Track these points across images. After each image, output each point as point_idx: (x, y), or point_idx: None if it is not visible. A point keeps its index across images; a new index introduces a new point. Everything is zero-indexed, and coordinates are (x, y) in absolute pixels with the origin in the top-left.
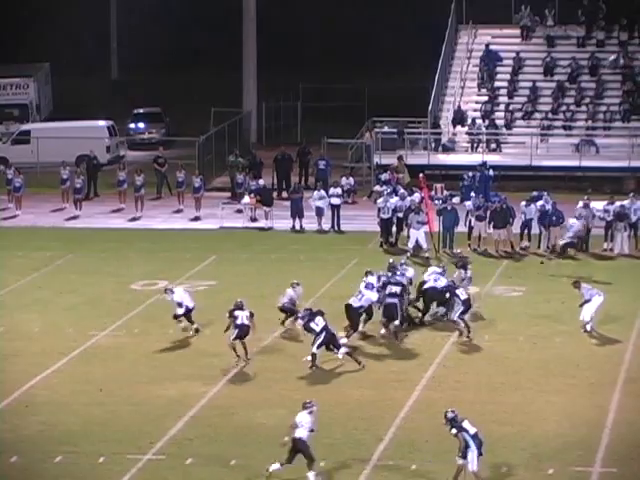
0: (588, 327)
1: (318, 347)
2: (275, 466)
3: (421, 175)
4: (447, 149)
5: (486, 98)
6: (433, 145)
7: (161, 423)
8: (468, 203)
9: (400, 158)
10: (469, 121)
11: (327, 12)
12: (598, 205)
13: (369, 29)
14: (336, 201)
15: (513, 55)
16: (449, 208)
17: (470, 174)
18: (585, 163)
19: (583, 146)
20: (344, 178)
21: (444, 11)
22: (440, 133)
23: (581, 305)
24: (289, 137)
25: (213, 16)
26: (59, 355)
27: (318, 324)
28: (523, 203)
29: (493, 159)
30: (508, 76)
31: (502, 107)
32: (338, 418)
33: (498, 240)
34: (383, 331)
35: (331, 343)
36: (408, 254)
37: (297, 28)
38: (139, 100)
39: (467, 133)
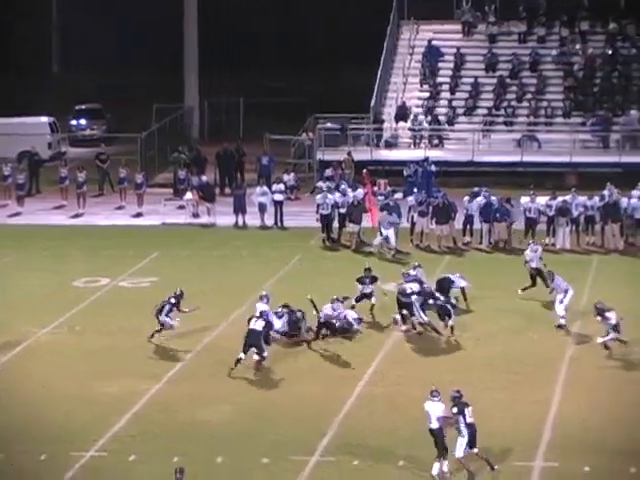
0: (563, 322)
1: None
2: None
3: (364, 171)
4: (390, 145)
5: (428, 94)
6: (376, 141)
7: (104, 420)
8: (410, 199)
9: (349, 154)
10: (411, 117)
11: (264, 10)
12: (540, 200)
13: (311, 28)
14: (279, 197)
15: (455, 51)
16: (391, 204)
17: (412, 166)
18: (527, 158)
19: (525, 142)
20: (287, 174)
21: (386, 7)
22: (383, 129)
23: (551, 293)
24: (232, 133)
25: (156, 12)
26: None
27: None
28: (466, 198)
29: (435, 155)
30: (450, 72)
31: (444, 103)
32: (282, 414)
33: (441, 235)
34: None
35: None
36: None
37: (240, 26)
38: (80, 97)
39: (409, 129)
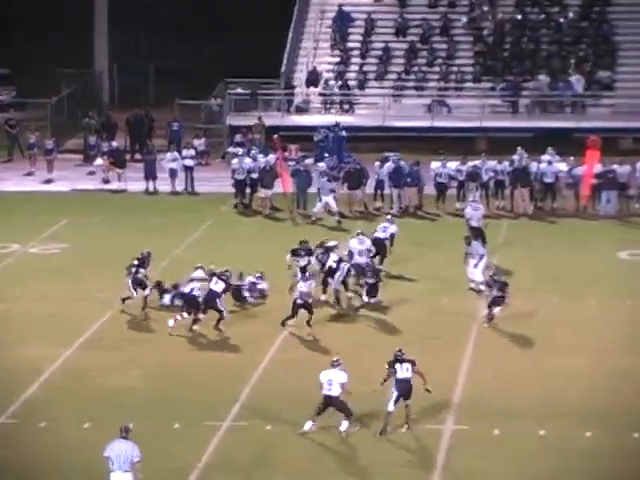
0: (482, 287)
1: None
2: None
3: (276, 136)
4: (301, 110)
5: (339, 59)
6: (286, 106)
7: (14, 386)
8: (321, 164)
9: (260, 119)
10: (322, 82)
11: None
12: (451, 165)
13: None
14: (189, 163)
15: (365, 16)
16: (302, 169)
17: (322, 131)
18: (437, 123)
19: (435, 106)
20: (197, 140)
21: None
22: (294, 94)
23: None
24: (142, 99)
25: None
26: None
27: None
28: (377, 164)
29: (346, 120)
30: (360, 37)
31: (355, 68)
32: (193, 380)
33: (352, 201)
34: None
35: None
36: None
37: None
38: None
39: (320, 94)
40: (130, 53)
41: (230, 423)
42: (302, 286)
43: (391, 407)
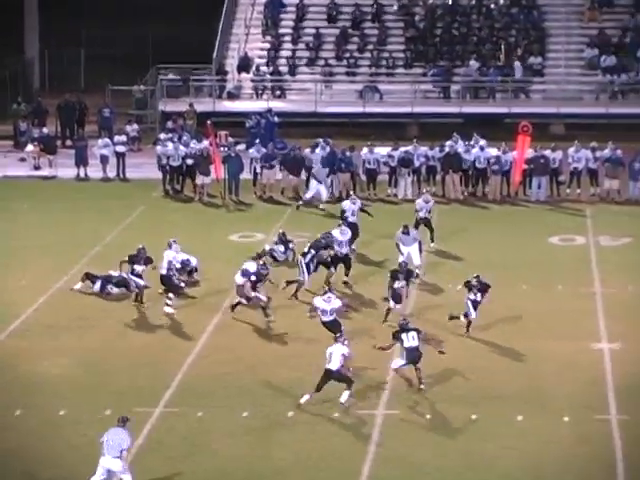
0: (421, 272)
1: None
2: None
3: (209, 122)
4: (232, 96)
5: (270, 45)
6: (218, 92)
7: None
8: (252, 150)
9: (191, 105)
10: (254, 68)
11: None
12: (382, 151)
13: None
14: (121, 149)
15: (297, 2)
16: (233, 155)
17: (254, 117)
18: (369, 109)
19: (366, 92)
20: (129, 125)
21: None
22: (225, 80)
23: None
24: (73, 85)
25: None
26: None
27: None
28: (307, 150)
29: (278, 106)
30: (292, 23)
31: (286, 54)
32: (124, 366)
33: (287, 187)
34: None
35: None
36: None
37: None
38: None
39: (252, 80)
40: (60, 39)
41: (162, 409)
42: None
43: (395, 365)
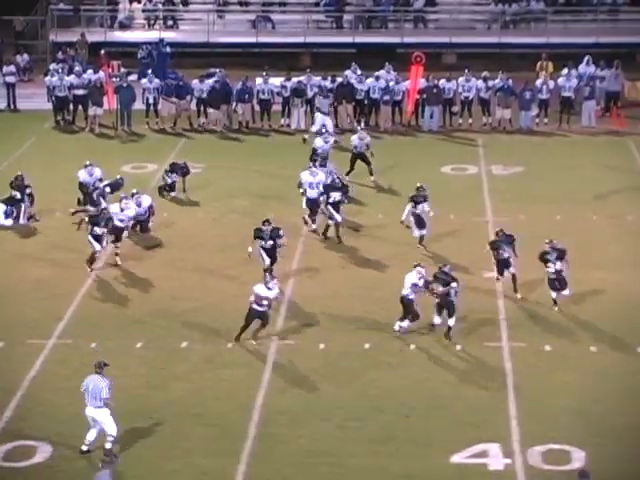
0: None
1: None
2: None
3: (102, 52)
4: (124, 26)
5: None
6: (110, 22)
7: None
8: (144, 81)
9: (82, 35)
10: None
11: None
12: (275, 81)
13: None
14: (11, 79)
15: None
16: (125, 85)
17: (146, 48)
18: (262, 39)
19: (259, 22)
20: (19, 55)
21: None
22: (117, 10)
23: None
24: None
25: None
26: None
27: None
28: (195, 81)
29: (170, 36)
30: None
31: None
32: (17, 298)
33: (176, 116)
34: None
35: None
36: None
37: None
38: None
39: (143, 10)
40: None
41: (55, 341)
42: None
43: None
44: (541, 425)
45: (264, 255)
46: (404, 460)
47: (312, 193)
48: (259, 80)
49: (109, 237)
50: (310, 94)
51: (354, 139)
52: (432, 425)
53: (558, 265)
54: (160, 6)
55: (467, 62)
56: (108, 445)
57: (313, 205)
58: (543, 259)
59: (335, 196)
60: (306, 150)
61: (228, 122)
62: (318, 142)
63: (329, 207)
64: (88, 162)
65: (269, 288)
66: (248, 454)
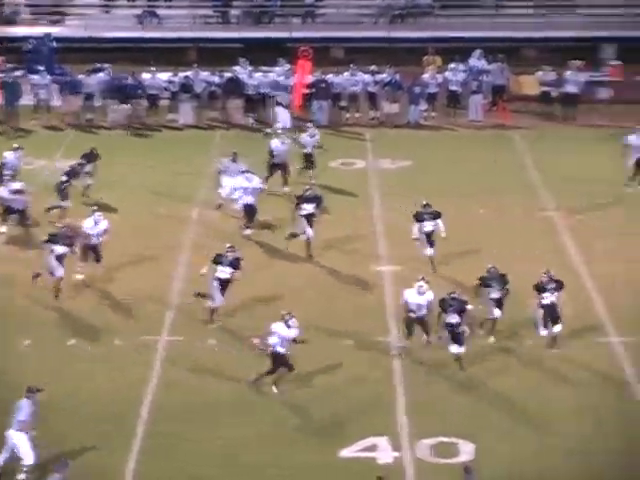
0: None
1: None
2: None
3: None
4: (10, 21)
5: None
6: None
7: None
8: (34, 76)
9: None
10: None
11: None
12: (163, 76)
13: None
14: None
15: None
16: (11, 81)
17: (31, 42)
18: (148, 34)
19: (145, 17)
20: None
21: None
22: (3, 4)
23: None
24: None
25: None
26: None
27: None
28: (81, 76)
29: (55, 31)
30: None
31: None
32: None
33: (67, 112)
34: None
35: None
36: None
37: None
38: None
39: (29, 5)
40: None
41: None
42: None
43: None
44: (430, 419)
45: (216, 289)
46: (294, 455)
47: (248, 199)
48: (146, 75)
49: (88, 257)
50: (198, 90)
51: (304, 137)
52: (321, 419)
53: (554, 297)
54: (46, 1)
55: (355, 56)
56: (22, 476)
57: (250, 211)
58: (539, 289)
59: (308, 208)
60: (194, 145)
61: (121, 117)
62: (274, 143)
63: (303, 220)
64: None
65: (289, 326)
66: (137, 451)
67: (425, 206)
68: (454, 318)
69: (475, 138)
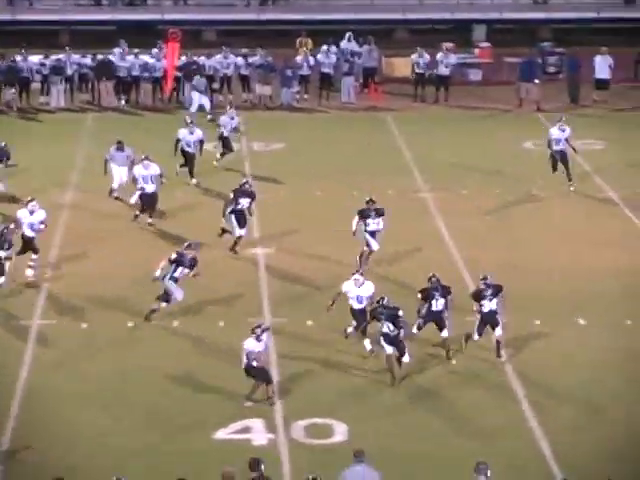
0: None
1: None
2: None
3: None
4: None
5: None
6: None
7: None
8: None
9: None
10: None
11: None
12: (34, 59)
13: None
14: None
15: None
16: None
17: None
18: (19, 17)
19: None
20: None
21: None
22: None
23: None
24: None
25: None
26: None
27: None
28: None
29: None
30: None
31: None
32: None
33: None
34: None
35: None
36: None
37: None
38: None
39: None
40: None
41: None
42: None
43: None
44: (304, 401)
45: (175, 289)
46: (169, 438)
47: (150, 187)
48: (18, 57)
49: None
50: (69, 72)
51: (223, 118)
52: (196, 402)
53: (494, 303)
54: None
55: (227, 39)
56: None
57: (150, 199)
58: (478, 297)
59: (244, 203)
60: (66, 129)
61: None
62: (182, 133)
63: (232, 217)
64: None
65: (259, 340)
66: (10, 435)
67: (369, 202)
68: (389, 327)
69: (348, 120)
